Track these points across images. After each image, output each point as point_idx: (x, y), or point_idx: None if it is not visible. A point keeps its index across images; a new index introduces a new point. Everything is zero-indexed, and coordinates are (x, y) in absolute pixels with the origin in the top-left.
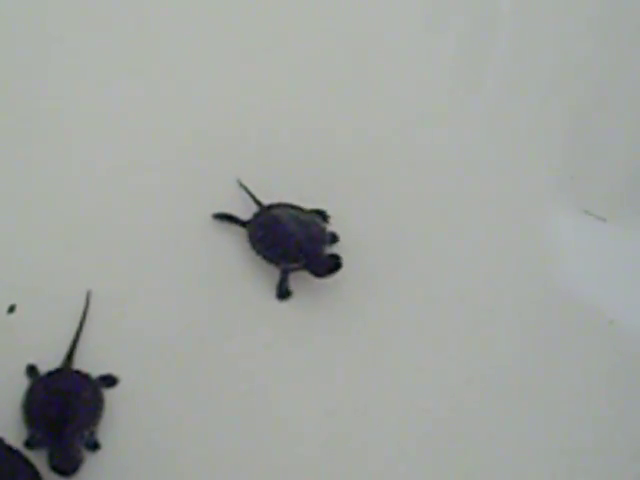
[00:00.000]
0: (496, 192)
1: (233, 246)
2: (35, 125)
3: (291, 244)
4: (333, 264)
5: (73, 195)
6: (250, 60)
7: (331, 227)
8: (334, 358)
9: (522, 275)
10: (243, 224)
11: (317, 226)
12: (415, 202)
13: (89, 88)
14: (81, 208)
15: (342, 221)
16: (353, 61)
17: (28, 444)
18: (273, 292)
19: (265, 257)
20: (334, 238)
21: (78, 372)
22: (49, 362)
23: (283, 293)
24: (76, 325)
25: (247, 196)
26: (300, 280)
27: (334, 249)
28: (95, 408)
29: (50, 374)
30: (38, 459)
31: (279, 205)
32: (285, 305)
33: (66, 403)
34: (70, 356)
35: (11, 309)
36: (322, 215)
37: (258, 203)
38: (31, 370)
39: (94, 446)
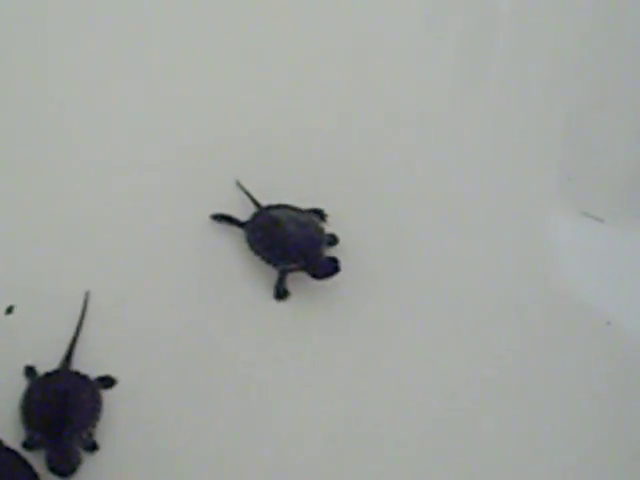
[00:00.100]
0: (495, 193)
1: (231, 247)
2: (34, 125)
3: (289, 245)
4: (331, 267)
5: (72, 195)
6: (249, 60)
7: (330, 228)
8: (333, 358)
9: (520, 276)
10: (241, 225)
11: (316, 227)
12: (414, 203)
13: (89, 88)
14: (79, 209)
15: (341, 222)
16: (353, 61)
17: (26, 445)
18: (271, 292)
19: (263, 258)
20: (333, 240)
21: (76, 373)
22: (47, 363)
23: (281, 293)
24: (74, 326)
25: (246, 197)
26: (298, 281)
27: (333, 250)
28: (93, 409)
29: (48, 375)
30: (36, 460)
31: (278, 206)
32: (284, 305)
33: (64, 404)
34: (68, 357)
35: (9, 310)
36: (320, 214)
37: (257, 204)
38: (29, 371)
39: (92, 447)
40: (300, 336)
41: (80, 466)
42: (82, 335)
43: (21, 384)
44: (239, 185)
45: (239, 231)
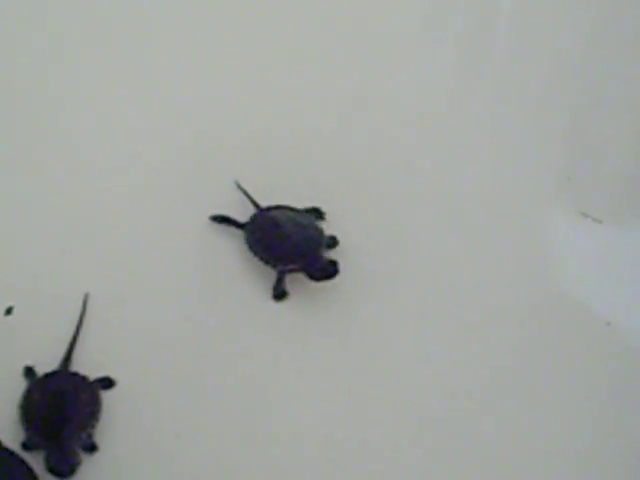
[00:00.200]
0: (494, 193)
1: (231, 248)
2: (34, 125)
3: (288, 246)
4: (330, 270)
5: (71, 196)
6: (249, 61)
7: (329, 228)
8: (332, 359)
9: (520, 277)
10: (241, 226)
11: (315, 228)
12: (414, 203)
13: (89, 88)
14: (79, 210)
15: (341, 222)
16: (353, 61)
17: (25, 446)
18: (270, 293)
19: (262, 259)
20: (333, 242)
21: (76, 374)
22: (47, 364)
23: (279, 294)
24: (74, 326)
25: (245, 198)
26: (298, 281)
27: (333, 251)
28: (92, 410)
29: (48, 376)
30: (35, 461)
31: (277, 207)
32: (283, 306)
33: (63, 405)
34: (68, 358)
35: (9, 311)
36: (318, 213)
37: (256, 205)
38: (29, 372)
39: (91, 448)
40: (300, 336)
41: (79, 467)
42: (81, 336)
43: (20, 385)
44: (238, 186)
45: (238, 232)
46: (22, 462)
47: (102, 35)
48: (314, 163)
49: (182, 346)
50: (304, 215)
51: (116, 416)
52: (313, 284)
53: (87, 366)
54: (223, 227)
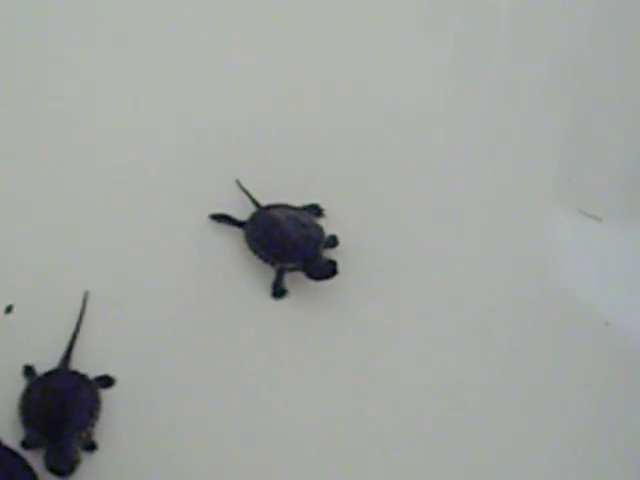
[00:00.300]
0: (494, 192)
1: (231, 246)
2: (34, 125)
3: (287, 245)
4: (329, 270)
5: (70, 195)
6: (249, 60)
7: (329, 227)
8: (331, 358)
9: (519, 276)
10: (240, 224)
11: (315, 227)
12: (413, 202)
13: (88, 88)
14: (78, 209)
15: (340, 222)
16: (352, 61)
17: (25, 444)
18: (270, 291)
19: (261, 257)
20: (334, 242)
21: (75, 373)
22: (46, 362)
23: (278, 292)
24: (73, 325)
25: (245, 197)
26: (298, 280)
27: (333, 251)
28: (92, 409)
29: (47, 375)
30: (35, 460)
31: (277, 206)
32: (283, 305)
33: (63, 404)
34: (67, 357)
35: (8, 309)
36: (317, 209)
37: (256, 203)
38: (28, 370)
39: (91, 447)
40: (299, 335)
41: (79, 465)
42: (81, 335)
43: (20, 384)
44: (239, 184)
45: (238, 231)
46: (22, 461)
47: (102, 35)
48: (314, 162)
49: (182, 344)
50: (304, 214)
51: (116, 415)
52: (312, 283)
53: (87, 365)
54: (223, 226)
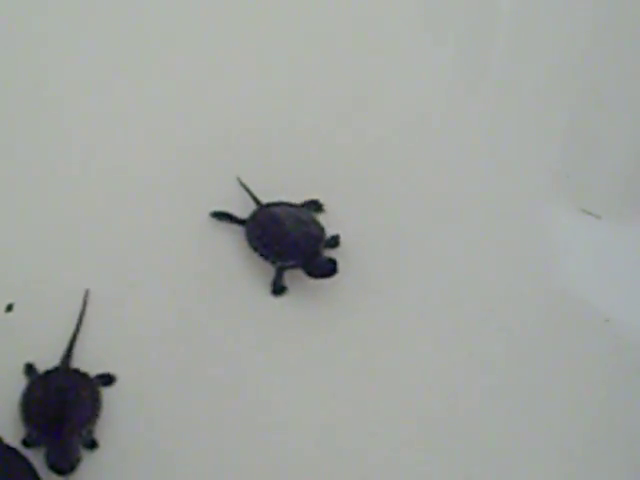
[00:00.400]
0: (494, 190)
1: (231, 244)
2: (34, 125)
3: (287, 242)
4: (329, 268)
5: (71, 194)
6: (249, 58)
7: (329, 227)
8: (331, 356)
9: (519, 274)
10: (241, 222)
11: (316, 225)
12: (413, 201)
13: (88, 87)
14: (79, 207)
15: (341, 220)
16: (353, 60)
17: (26, 443)
18: (270, 289)
19: (261, 255)
20: (335, 241)
21: (76, 371)
22: (47, 361)
23: (278, 289)
24: (74, 323)
25: (246, 195)
26: (298, 278)
27: (333, 249)
28: (93, 407)
29: (48, 373)
30: (36, 458)
31: (278, 203)
32: (283, 303)
33: (64, 402)
34: (68, 355)
35: (9, 307)
36: (317, 205)
37: (257, 201)
38: (29, 369)
39: (92, 445)
40: (299, 333)
41: (79, 463)
42: (82, 333)
43: (21, 382)
44: (240, 182)
45: (239, 228)
46: (23, 459)
47: (102, 34)
48: (315, 161)
49: (182, 342)
50: (305, 212)
51: (116, 413)
52: (312, 281)
53: (87, 363)
54: (223, 223)
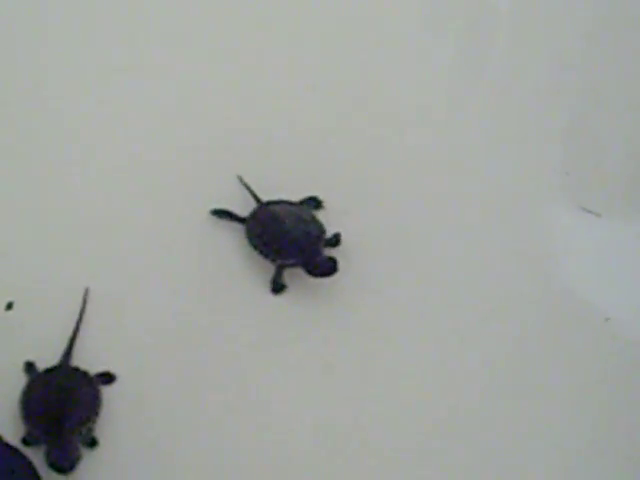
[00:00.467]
0: (494, 190)
1: (231, 242)
2: (34, 124)
3: (287, 241)
4: (329, 267)
5: (71, 192)
6: (250, 58)
7: (330, 226)
8: (331, 355)
9: (519, 272)
10: (241, 220)
11: (316, 224)
12: (414, 200)
13: (88, 87)
14: (79, 205)
15: (341, 219)
16: (353, 60)
17: (26, 441)
18: (269, 287)
19: (261, 253)
20: (336, 241)
21: (76, 369)
22: (47, 359)
23: (277, 287)
24: (74, 322)
25: (246, 193)
26: (298, 276)
27: (333, 248)
28: (93, 405)
29: (48, 371)
30: (36, 456)
31: (278, 202)
32: (283, 301)
33: (64, 400)
34: (68, 353)
35: (9, 306)
36: (315, 201)
37: (257, 199)
38: (29, 367)
39: (92, 443)
40: (299, 331)
41: (79, 462)
42: (82, 331)
43: (21, 380)
44: (240, 180)
45: (239, 226)
46: (23, 457)
47: (102, 34)
48: (315, 160)
49: (182, 340)
50: (305, 210)
51: (116, 411)
52: (312, 279)
53: (87, 361)
54: (224, 221)
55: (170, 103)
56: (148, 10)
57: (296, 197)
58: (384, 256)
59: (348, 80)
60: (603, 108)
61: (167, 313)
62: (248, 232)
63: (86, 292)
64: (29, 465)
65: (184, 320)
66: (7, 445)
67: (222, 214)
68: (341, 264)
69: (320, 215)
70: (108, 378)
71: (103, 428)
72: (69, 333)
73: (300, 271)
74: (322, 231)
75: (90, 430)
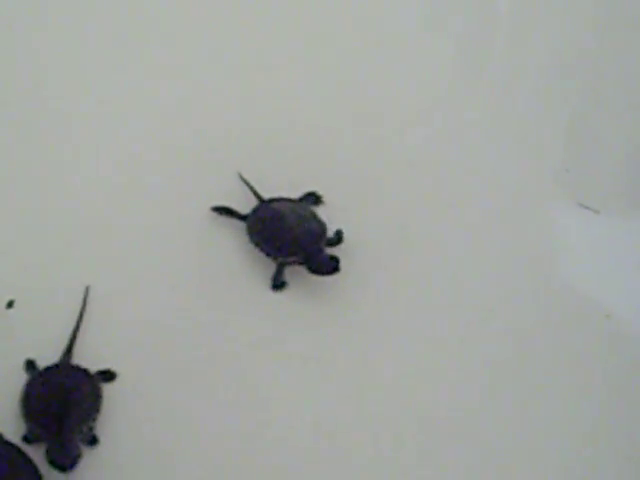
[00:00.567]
0: (493, 187)
1: (232, 239)
2: (34, 122)
3: (288, 238)
4: (331, 266)
5: (72, 190)
6: (250, 57)
7: (330, 224)
8: (331, 353)
9: (518, 270)
10: (242, 217)
11: (317, 222)
12: (414, 198)
13: (89, 86)
14: (79, 203)
15: (342, 218)
16: (353, 60)
17: (26, 439)
18: (269, 284)
19: (262, 250)
20: (338, 238)
21: (76, 367)
22: (48, 357)
23: (278, 284)
24: (75, 320)
25: (246, 190)
26: (299, 274)
27: (336, 247)
28: (93, 403)
29: (49, 369)
30: (36, 454)
31: (280, 199)
32: (284, 298)
33: (64, 398)
34: (69, 351)
35: (10, 304)
36: (314, 197)
37: (258, 197)
38: (30, 365)
39: (92, 441)
40: (299, 329)
41: (80, 460)
42: (82, 329)
43: (21, 378)
44: (241, 177)
45: (239, 223)
46: (23, 455)
47: (103, 33)
48: (316, 158)
49: (182, 337)
50: (306, 208)
51: (117, 409)
52: (313, 277)
53: (88, 359)
54: (224, 218)
55: (170, 101)
56: (148, 10)
57: (296, 195)
58: (384, 254)
59: (348, 80)
60: (602, 106)
61: (167, 310)
62: (249, 229)
63: (87, 290)
64: (30, 463)
65: (184, 317)
66: (8, 443)
67: (222, 211)
68: (342, 262)
69: (321, 213)
70: (109, 376)
71: (103, 426)
72: (69, 331)
73: (300, 268)
74: (324, 229)
75: (90, 428)
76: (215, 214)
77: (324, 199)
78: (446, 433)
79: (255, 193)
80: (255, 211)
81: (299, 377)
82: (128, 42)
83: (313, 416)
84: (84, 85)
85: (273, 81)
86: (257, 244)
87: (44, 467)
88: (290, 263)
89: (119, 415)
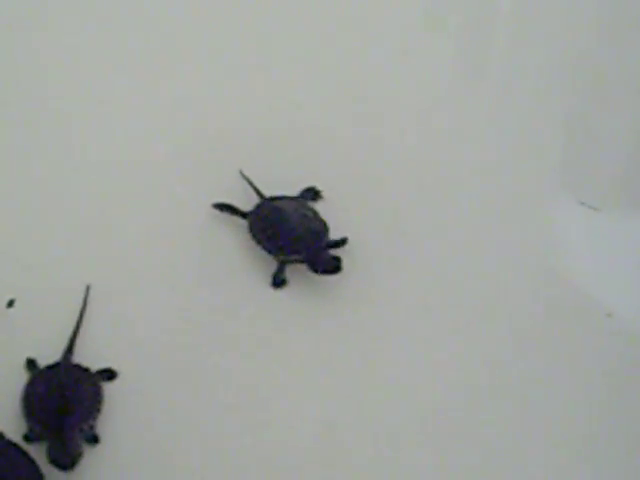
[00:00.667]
0: (494, 185)
1: (233, 237)
2: (35, 122)
3: (290, 236)
4: (333, 266)
5: (72, 188)
6: (250, 55)
7: (331, 223)
8: (331, 351)
9: (519, 269)
10: (243, 214)
11: (320, 221)
12: (415, 196)
13: (90, 83)
14: (80, 201)
15: (343, 216)
16: (353, 55)
17: (27, 438)
18: (270, 282)
19: (264, 248)
20: (342, 242)
21: (77, 366)
22: (48, 356)
23: (278, 282)
24: (75, 319)
25: (248, 188)
26: (300, 272)
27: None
28: (94, 402)
29: (49, 368)
30: (37, 453)
31: (281, 197)
32: (285, 297)
33: (65, 397)
34: (69, 350)
35: (10, 303)
36: (313, 192)
37: (260, 194)
38: (30, 364)
39: (93, 440)
40: (300, 328)
41: (81, 458)
42: (83, 328)
43: (22, 377)
44: (242, 175)
45: (241, 221)
46: (24, 454)
47: (104, 32)
48: (317, 156)
49: (183, 336)
50: (308, 207)
51: (118, 408)
52: (314, 276)
53: (89, 358)
54: (225, 215)
55: (172, 98)
56: (148, 10)
57: (295, 192)
58: (385, 253)
59: (348, 80)
60: (602, 105)
61: (169, 309)
62: (251, 227)
63: (87, 289)
64: (31, 462)
65: (185, 315)
66: (9, 442)
67: (224, 208)
68: (343, 261)
69: (321, 211)
70: (109, 375)
71: (104, 425)
72: (70, 330)
73: (301, 267)
74: (325, 228)
75: (91, 427)
76: (216, 212)
77: (323, 195)
78: (446, 433)
79: (257, 191)
80: (257, 209)
81: (299, 377)
82: (128, 42)
83: (314, 415)
84: (84, 85)
85: (273, 81)
86: (259, 242)
87: (45, 466)
88: (291, 261)
89: (119, 414)
